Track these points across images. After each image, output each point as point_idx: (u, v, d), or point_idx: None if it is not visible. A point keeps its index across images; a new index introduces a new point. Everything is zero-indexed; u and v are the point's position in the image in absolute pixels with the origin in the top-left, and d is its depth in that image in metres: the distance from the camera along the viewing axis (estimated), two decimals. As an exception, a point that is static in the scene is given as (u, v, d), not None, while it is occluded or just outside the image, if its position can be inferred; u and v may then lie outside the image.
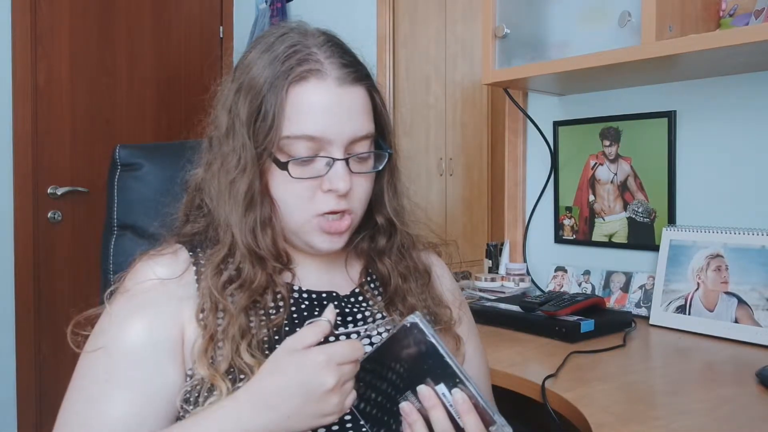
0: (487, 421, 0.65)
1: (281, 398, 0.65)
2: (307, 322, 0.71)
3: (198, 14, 2.96)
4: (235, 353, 0.70)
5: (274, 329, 0.75)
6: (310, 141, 0.74)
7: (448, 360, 0.66)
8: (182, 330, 0.74)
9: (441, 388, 0.66)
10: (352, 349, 0.67)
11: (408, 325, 0.67)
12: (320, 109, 0.74)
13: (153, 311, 0.74)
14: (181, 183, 0.86)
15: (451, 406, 0.66)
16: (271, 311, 0.76)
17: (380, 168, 0.81)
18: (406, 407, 0.68)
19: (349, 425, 0.72)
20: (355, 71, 0.77)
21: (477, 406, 0.65)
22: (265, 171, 0.76)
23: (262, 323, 0.74)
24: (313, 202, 0.76)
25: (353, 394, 0.68)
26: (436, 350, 0.66)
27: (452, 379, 0.66)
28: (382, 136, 0.82)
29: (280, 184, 0.76)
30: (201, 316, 0.74)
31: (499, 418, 0.65)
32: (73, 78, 2.55)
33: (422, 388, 0.67)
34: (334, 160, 0.74)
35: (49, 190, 2.48)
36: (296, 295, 0.80)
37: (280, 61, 0.75)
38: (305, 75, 0.74)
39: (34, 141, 2.44)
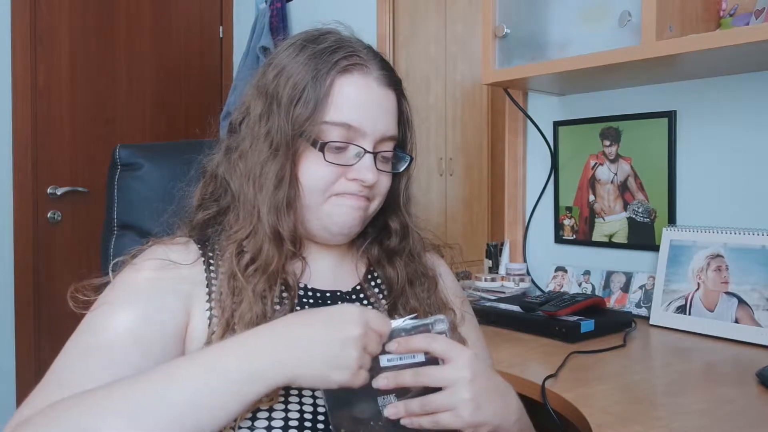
0: (428, 330, 0.68)
1: (300, 333, 0.64)
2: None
3: (198, 14, 2.96)
4: None
5: None
6: (347, 130, 0.77)
7: None
8: (188, 314, 0.74)
9: (383, 359, 0.67)
10: (383, 321, 0.67)
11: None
12: (361, 101, 0.78)
13: (162, 287, 0.74)
14: (197, 169, 0.87)
15: (408, 358, 0.68)
16: (284, 299, 0.78)
17: (401, 170, 0.85)
18: (391, 409, 0.67)
19: None
20: (390, 76, 0.82)
21: (409, 332, 0.68)
22: (296, 153, 0.78)
23: (277, 313, 0.75)
24: (335, 185, 0.79)
25: (364, 373, 0.66)
26: None
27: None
28: (403, 144, 0.86)
29: (310, 167, 0.78)
30: (220, 298, 0.74)
31: (430, 318, 0.69)
32: (73, 78, 2.55)
33: (376, 380, 0.67)
34: (366, 151, 0.78)
35: (48, 190, 2.48)
36: (301, 292, 0.81)
37: (327, 53, 0.78)
38: (350, 68, 0.78)
39: (34, 141, 2.43)
